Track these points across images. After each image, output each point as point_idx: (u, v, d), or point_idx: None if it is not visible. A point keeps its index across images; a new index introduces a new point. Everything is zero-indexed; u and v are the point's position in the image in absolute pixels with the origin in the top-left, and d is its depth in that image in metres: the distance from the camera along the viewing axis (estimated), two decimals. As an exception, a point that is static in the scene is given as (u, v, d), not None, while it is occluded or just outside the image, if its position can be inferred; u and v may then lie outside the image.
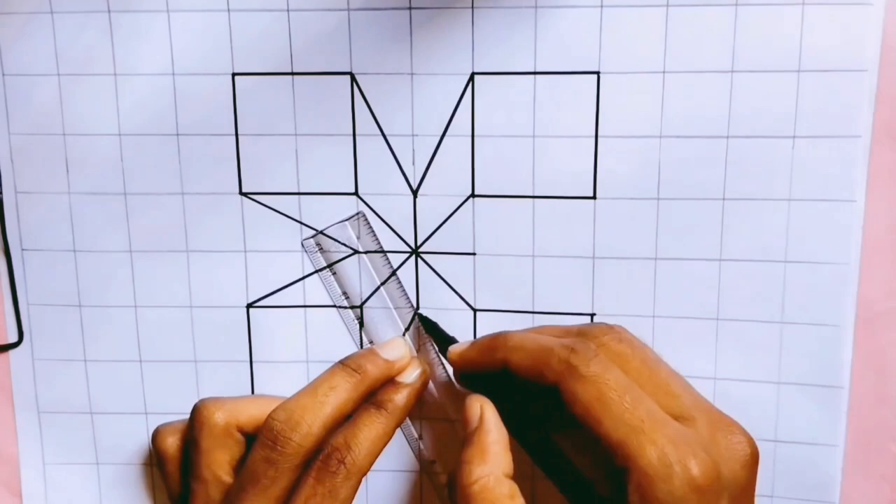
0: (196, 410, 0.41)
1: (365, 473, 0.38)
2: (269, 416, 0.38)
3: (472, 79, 0.40)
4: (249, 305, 0.43)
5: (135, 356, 0.44)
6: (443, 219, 0.42)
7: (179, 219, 0.43)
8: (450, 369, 0.42)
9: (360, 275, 0.43)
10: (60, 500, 0.46)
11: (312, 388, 0.39)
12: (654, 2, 0.38)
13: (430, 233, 0.42)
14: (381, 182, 0.42)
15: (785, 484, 0.42)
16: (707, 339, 0.41)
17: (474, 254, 0.42)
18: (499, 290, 0.42)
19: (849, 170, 0.39)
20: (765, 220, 0.40)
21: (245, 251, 0.43)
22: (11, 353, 0.44)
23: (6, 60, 0.42)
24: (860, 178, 0.39)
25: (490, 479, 0.36)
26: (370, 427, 0.39)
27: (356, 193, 0.42)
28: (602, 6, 0.39)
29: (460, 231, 0.42)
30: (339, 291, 0.43)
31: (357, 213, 0.42)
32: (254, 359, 0.44)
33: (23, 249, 0.43)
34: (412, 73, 0.40)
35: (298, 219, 0.42)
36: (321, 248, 0.43)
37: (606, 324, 0.39)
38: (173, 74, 0.41)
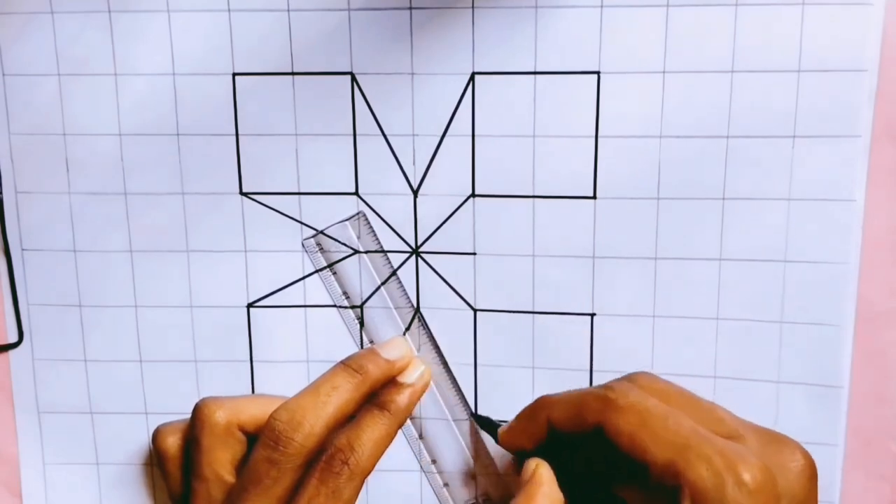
0: (197, 409, 0.41)
1: (368, 474, 0.38)
2: (271, 416, 0.38)
3: (472, 79, 0.40)
4: (250, 305, 0.43)
5: (135, 356, 0.44)
6: (443, 219, 0.42)
7: (179, 219, 0.43)
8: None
9: (360, 275, 0.43)
10: (60, 501, 0.46)
11: (314, 388, 0.39)
12: (654, 2, 0.38)
13: (430, 233, 0.42)
14: (382, 182, 0.42)
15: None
16: (707, 338, 0.41)
17: (474, 254, 0.42)
18: (499, 290, 0.42)
19: (849, 169, 0.39)
20: (765, 220, 0.40)
21: (245, 251, 0.43)
22: (11, 353, 0.44)
23: (6, 60, 0.42)
24: (860, 178, 0.39)
25: None
26: (373, 428, 0.39)
27: (356, 193, 0.42)
28: (602, 6, 0.39)
29: (460, 231, 0.42)
30: (340, 291, 0.43)
31: (357, 213, 0.42)
32: (254, 359, 0.44)
33: (23, 249, 0.43)
34: (412, 73, 0.40)
35: (298, 219, 0.42)
36: (321, 248, 0.43)
37: (642, 371, 0.39)
38: (173, 74, 0.41)
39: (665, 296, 0.41)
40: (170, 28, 0.41)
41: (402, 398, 0.40)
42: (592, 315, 0.42)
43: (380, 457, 0.39)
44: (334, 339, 0.43)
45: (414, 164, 0.41)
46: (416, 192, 0.41)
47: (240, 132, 0.41)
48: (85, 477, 0.46)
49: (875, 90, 0.38)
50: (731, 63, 0.38)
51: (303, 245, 0.43)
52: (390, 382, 0.40)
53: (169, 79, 0.41)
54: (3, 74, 0.42)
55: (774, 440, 0.36)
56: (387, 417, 0.39)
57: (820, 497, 0.41)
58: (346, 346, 0.43)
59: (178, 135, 0.42)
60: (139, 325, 0.44)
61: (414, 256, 0.42)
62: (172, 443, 0.42)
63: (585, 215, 0.41)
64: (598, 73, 0.39)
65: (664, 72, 0.39)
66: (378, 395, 0.40)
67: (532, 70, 0.40)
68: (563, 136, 0.40)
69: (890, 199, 0.39)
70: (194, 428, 0.41)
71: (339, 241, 0.42)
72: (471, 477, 0.44)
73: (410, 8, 0.40)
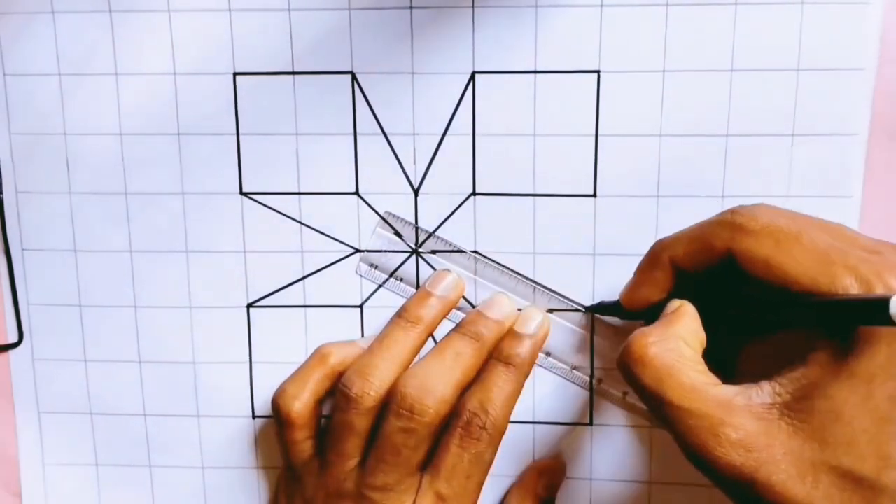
0: (346, 389, 0.39)
1: (503, 433, 0.39)
2: (399, 385, 0.38)
3: (472, 78, 0.40)
4: (249, 305, 0.43)
5: (134, 356, 0.44)
6: (444, 217, 0.42)
7: (180, 219, 0.43)
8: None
9: (416, 276, 0.43)
10: (60, 502, 0.46)
11: (438, 355, 0.39)
12: (654, 1, 0.39)
13: (430, 232, 0.42)
14: (382, 181, 0.42)
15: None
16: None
17: (475, 252, 0.42)
18: (499, 288, 0.42)
19: (846, 167, 0.39)
20: (764, 218, 0.40)
21: (245, 251, 0.43)
22: (11, 353, 0.44)
23: (7, 60, 0.42)
24: (857, 175, 0.39)
25: (671, 343, 0.33)
26: (502, 386, 0.39)
27: (357, 193, 0.42)
28: (602, 5, 0.39)
29: (461, 229, 0.42)
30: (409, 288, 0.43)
31: (385, 213, 0.42)
32: (253, 359, 0.44)
33: (23, 249, 0.43)
34: (413, 73, 0.40)
35: (298, 219, 0.42)
36: (374, 266, 0.43)
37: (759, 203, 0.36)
38: (174, 74, 0.41)
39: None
40: (170, 28, 0.41)
41: (524, 350, 0.40)
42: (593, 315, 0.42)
43: (510, 413, 0.39)
44: (334, 339, 0.43)
45: (414, 163, 0.41)
46: (416, 191, 0.42)
47: (240, 132, 0.42)
48: (84, 478, 0.46)
49: (873, 88, 0.38)
50: (730, 62, 0.39)
51: (358, 273, 0.43)
52: (510, 335, 0.40)
53: (170, 78, 0.41)
54: (4, 74, 0.42)
55: None
56: (513, 372, 0.39)
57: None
58: (347, 346, 0.43)
59: (178, 134, 0.42)
60: (139, 326, 0.44)
61: (414, 255, 0.42)
62: (300, 409, 0.41)
63: (586, 213, 0.41)
64: (598, 72, 0.40)
65: (664, 71, 0.39)
66: (500, 350, 0.40)
67: (532, 69, 0.40)
68: (563, 134, 0.40)
69: (887, 195, 0.39)
70: (344, 411, 0.39)
71: (387, 251, 0.43)
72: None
73: (411, 7, 0.40)
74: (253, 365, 0.44)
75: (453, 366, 0.39)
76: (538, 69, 0.40)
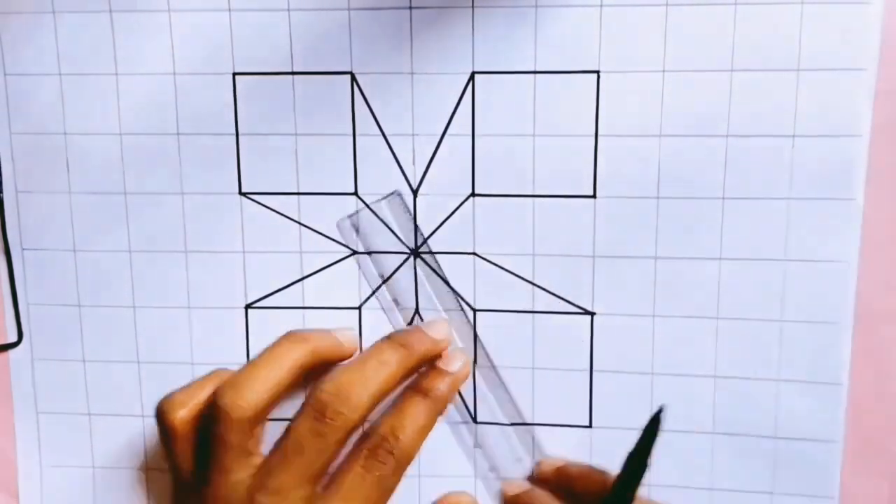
0: (219, 405, 0.38)
1: (411, 462, 0.38)
2: (317, 387, 0.38)
3: (472, 78, 0.40)
4: (248, 306, 0.43)
5: (133, 357, 0.44)
6: (443, 218, 0.42)
7: (179, 219, 0.43)
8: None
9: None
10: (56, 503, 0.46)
11: (361, 362, 0.39)
12: (654, 1, 0.38)
13: (430, 232, 0.42)
14: (382, 182, 0.42)
15: (785, 480, 0.41)
16: (707, 337, 0.41)
17: (475, 253, 0.42)
18: (499, 289, 0.42)
19: (848, 168, 0.39)
20: (764, 219, 0.40)
21: (244, 251, 0.43)
22: (11, 353, 0.44)
23: (8, 60, 0.42)
24: (859, 177, 0.39)
25: None
26: (416, 415, 0.39)
27: (356, 193, 0.42)
28: (602, 5, 0.39)
29: (460, 230, 0.42)
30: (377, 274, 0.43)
31: (393, 192, 0.42)
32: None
33: (23, 249, 0.43)
34: (412, 73, 0.40)
35: (298, 219, 0.42)
36: (357, 230, 0.42)
37: None
38: (174, 74, 0.41)
39: (665, 294, 0.41)
40: (170, 27, 0.41)
41: (443, 385, 0.40)
42: (592, 315, 0.42)
43: (421, 444, 0.39)
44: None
45: (414, 163, 0.41)
46: (415, 192, 0.42)
47: (240, 132, 0.42)
48: (81, 480, 0.45)
49: (874, 89, 0.38)
50: (730, 62, 0.39)
51: (338, 226, 0.42)
52: (432, 370, 0.40)
53: (169, 78, 0.41)
54: (5, 74, 0.42)
55: None
56: (429, 404, 0.39)
57: (820, 493, 0.41)
58: (346, 347, 0.43)
59: (178, 134, 0.42)
60: (137, 326, 0.44)
61: (413, 256, 0.42)
62: (183, 419, 0.39)
63: (585, 214, 0.41)
64: (597, 72, 0.39)
65: (664, 71, 0.39)
66: (420, 382, 0.40)
67: (532, 69, 0.40)
68: (562, 135, 0.40)
69: (889, 197, 0.39)
70: (216, 423, 0.38)
71: (380, 219, 0.42)
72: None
73: (410, 7, 0.40)
74: (252, 366, 0.44)
75: (373, 375, 0.38)
76: (538, 69, 0.40)
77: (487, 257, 0.42)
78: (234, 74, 0.41)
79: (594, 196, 0.41)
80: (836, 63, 0.38)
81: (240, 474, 0.38)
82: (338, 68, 0.41)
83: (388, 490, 0.38)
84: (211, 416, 0.38)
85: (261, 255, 0.43)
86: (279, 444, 0.38)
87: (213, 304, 0.43)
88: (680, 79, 0.39)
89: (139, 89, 0.41)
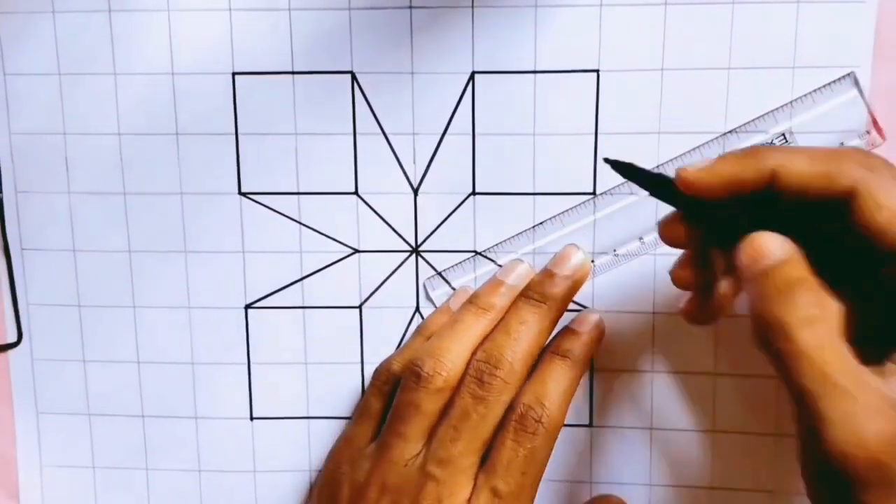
0: (419, 370, 0.38)
1: (559, 429, 0.38)
2: (473, 359, 0.38)
3: (472, 77, 0.40)
4: (248, 306, 0.43)
5: (132, 357, 0.44)
6: (443, 217, 0.42)
7: (178, 219, 0.43)
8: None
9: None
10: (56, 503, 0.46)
11: (504, 325, 0.39)
12: (653, 0, 0.39)
13: (430, 231, 0.42)
14: (382, 181, 0.42)
15: (787, 478, 0.42)
16: (706, 334, 0.41)
17: (475, 251, 0.42)
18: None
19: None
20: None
21: (244, 251, 0.43)
22: (11, 353, 0.44)
23: (7, 60, 0.42)
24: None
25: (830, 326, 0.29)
26: (559, 381, 0.38)
27: (356, 193, 0.42)
28: (601, 5, 0.39)
29: (461, 229, 0.42)
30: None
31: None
32: (252, 360, 0.44)
33: (23, 249, 0.43)
34: (413, 72, 0.40)
35: (298, 219, 0.42)
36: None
37: None
38: (173, 74, 0.41)
39: (664, 292, 0.41)
40: (170, 27, 0.41)
41: (580, 346, 0.39)
42: (592, 313, 0.42)
43: (567, 410, 0.38)
44: (332, 340, 0.43)
45: (414, 162, 0.41)
46: (416, 191, 0.42)
47: (239, 132, 0.42)
48: (81, 480, 0.45)
49: (868, 87, 0.39)
50: (727, 60, 0.39)
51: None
52: (568, 331, 0.40)
53: (169, 78, 0.41)
54: (4, 74, 0.42)
55: None
56: (569, 366, 0.39)
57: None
58: (345, 347, 0.43)
59: (177, 134, 0.42)
60: (137, 326, 0.44)
61: (414, 255, 0.42)
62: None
63: (585, 213, 0.41)
64: (597, 71, 0.40)
65: (662, 69, 0.39)
66: (558, 344, 0.40)
67: (532, 69, 0.40)
68: (562, 133, 0.40)
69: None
70: (409, 388, 0.39)
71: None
72: None
73: (410, 7, 0.40)
74: (251, 366, 0.44)
75: (518, 336, 0.38)
76: (538, 69, 0.40)
77: (488, 256, 0.42)
78: (234, 74, 0.41)
79: (594, 194, 0.41)
80: (830, 61, 0.38)
81: (417, 444, 0.38)
82: (338, 68, 0.41)
83: (542, 460, 0.38)
84: (405, 384, 0.39)
85: (261, 255, 0.43)
86: (447, 416, 0.38)
87: (213, 304, 0.43)
88: (678, 77, 0.39)
89: (139, 89, 0.41)
